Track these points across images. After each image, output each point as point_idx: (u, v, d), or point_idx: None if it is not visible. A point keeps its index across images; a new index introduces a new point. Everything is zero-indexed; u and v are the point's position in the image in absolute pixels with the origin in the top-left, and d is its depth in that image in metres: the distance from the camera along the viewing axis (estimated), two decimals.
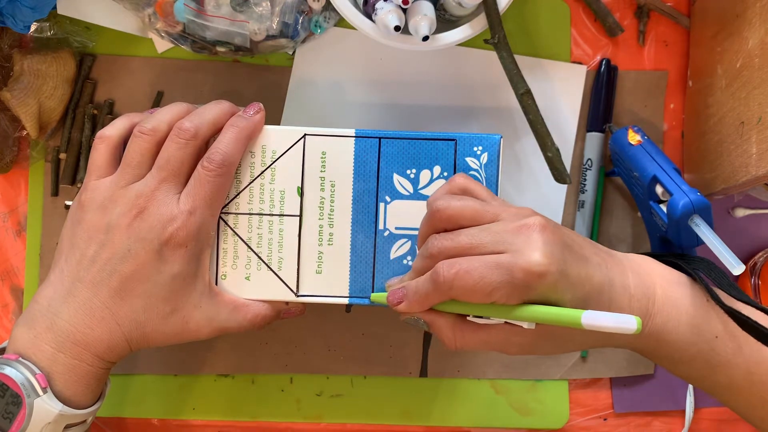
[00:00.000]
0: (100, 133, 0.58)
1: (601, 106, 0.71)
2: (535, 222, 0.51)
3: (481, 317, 0.53)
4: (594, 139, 0.71)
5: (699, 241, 0.62)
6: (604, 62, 0.72)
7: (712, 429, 0.74)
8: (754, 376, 0.56)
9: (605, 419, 0.73)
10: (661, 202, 0.65)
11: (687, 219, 0.61)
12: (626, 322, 0.45)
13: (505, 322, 0.53)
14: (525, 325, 0.51)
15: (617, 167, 0.70)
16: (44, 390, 0.53)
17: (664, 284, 0.56)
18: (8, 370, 0.53)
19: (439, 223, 0.54)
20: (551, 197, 0.72)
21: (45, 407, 0.53)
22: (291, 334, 0.72)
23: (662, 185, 0.64)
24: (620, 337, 0.55)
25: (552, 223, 0.53)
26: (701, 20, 0.71)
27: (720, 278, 0.58)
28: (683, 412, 0.73)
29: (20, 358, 0.54)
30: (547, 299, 0.50)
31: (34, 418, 0.53)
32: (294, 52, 0.72)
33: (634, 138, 0.67)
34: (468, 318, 0.54)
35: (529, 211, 0.53)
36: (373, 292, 0.60)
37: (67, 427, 0.55)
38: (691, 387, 0.72)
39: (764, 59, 0.59)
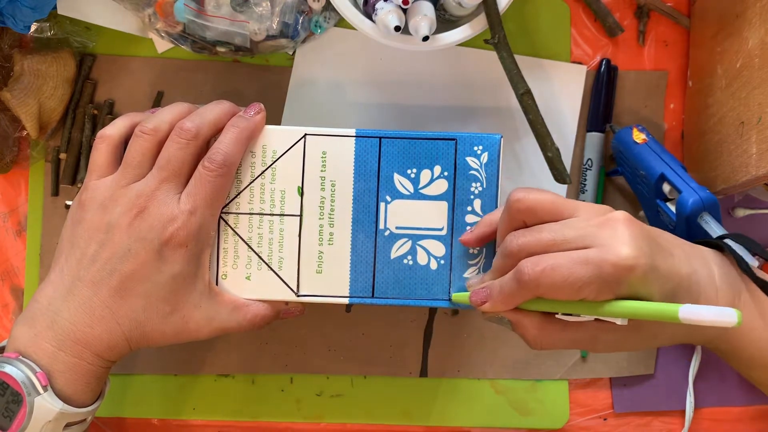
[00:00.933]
0: (100, 133, 0.58)
1: (601, 106, 0.71)
2: (619, 216, 0.50)
3: (570, 315, 0.52)
4: (594, 139, 0.71)
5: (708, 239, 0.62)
6: (604, 62, 0.72)
7: (713, 429, 0.74)
8: None
9: (605, 419, 0.73)
10: (669, 200, 0.65)
11: (697, 216, 0.61)
12: (726, 315, 0.44)
13: (595, 319, 0.51)
14: (618, 321, 0.50)
15: (621, 166, 0.70)
16: (45, 388, 0.53)
17: (746, 278, 0.56)
18: (8, 369, 0.53)
19: (517, 215, 0.53)
20: None
21: (45, 406, 0.53)
22: (291, 334, 0.72)
23: (670, 183, 0.64)
24: (707, 332, 0.54)
25: (632, 216, 0.52)
26: (701, 20, 0.71)
27: (753, 246, 0.57)
28: (683, 412, 0.73)
29: (20, 357, 0.54)
30: (637, 293, 0.49)
31: (34, 416, 0.53)
32: (294, 52, 0.72)
33: (639, 137, 0.67)
34: (556, 316, 0.53)
35: (606, 207, 0.53)
36: (374, 292, 0.60)
37: (68, 425, 0.55)
38: (691, 387, 0.72)
39: (764, 59, 0.59)
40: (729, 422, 0.74)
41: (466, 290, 0.59)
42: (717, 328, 0.50)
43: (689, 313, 0.45)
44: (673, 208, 0.63)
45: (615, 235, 0.49)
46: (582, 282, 0.48)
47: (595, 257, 0.49)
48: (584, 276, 0.48)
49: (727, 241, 0.57)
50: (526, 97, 0.63)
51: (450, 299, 0.60)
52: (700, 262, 0.54)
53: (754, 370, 0.57)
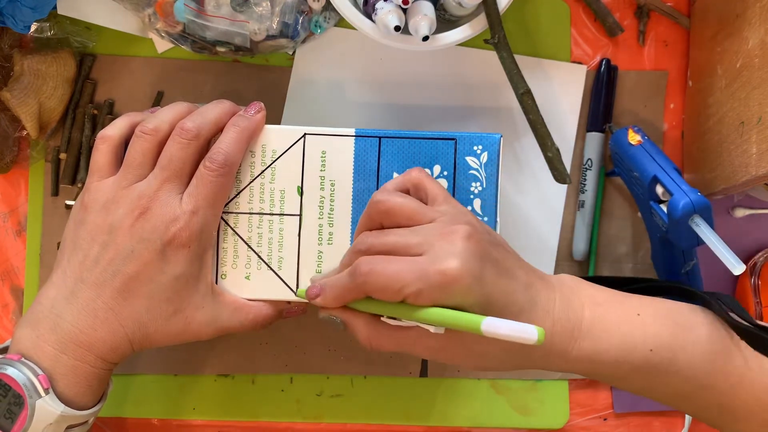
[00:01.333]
0: (101, 134, 0.58)
1: (601, 106, 0.71)
2: (461, 229, 0.51)
3: (393, 318, 0.54)
4: (594, 139, 0.71)
5: (699, 241, 0.62)
6: (604, 62, 0.72)
7: (713, 429, 0.74)
8: (695, 381, 0.56)
9: (605, 419, 0.73)
10: (662, 202, 0.65)
11: (687, 219, 0.61)
12: (526, 332, 0.45)
13: (417, 325, 0.53)
14: (432, 329, 0.51)
15: (617, 167, 0.70)
16: (46, 391, 0.53)
17: (593, 306, 0.56)
18: (10, 371, 0.53)
19: (376, 216, 0.55)
20: (551, 197, 0.72)
21: (47, 408, 0.53)
22: (291, 334, 0.72)
23: (662, 185, 0.64)
24: (547, 358, 0.55)
25: (483, 234, 0.53)
26: (701, 20, 0.71)
27: (733, 305, 0.57)
28: (683, 412, 0.73)
29: (23, 359, 0.54)
30: (459, 306, 0.50)
31: (35, 418, 0.53)
32: (294, 52, 0.72)
33: (634, 138, 0.67)
34: (382, 318, 0.54)
35: (466, 217, 0.54)
36: None
37: (69, 427, 0.55)
38: None
39: (764, 59, 0.59)
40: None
41: None
42: (559, 356, 0.53)
43: (490, 325, 0.46)
44: (665, 210, 0.63)
45: (449, 247, 0.50)
46: (403, 284, 0.50)
47: (422, 263, 0.50)
48: (407, 279, 0.50)
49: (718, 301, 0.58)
50: (526, 97, 0.63)
51: (295, 293, 0.60)
52: (543, 293, 0.54)
53: (624, 383, 0.57)
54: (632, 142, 0.67)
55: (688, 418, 0.72)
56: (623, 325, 0.55)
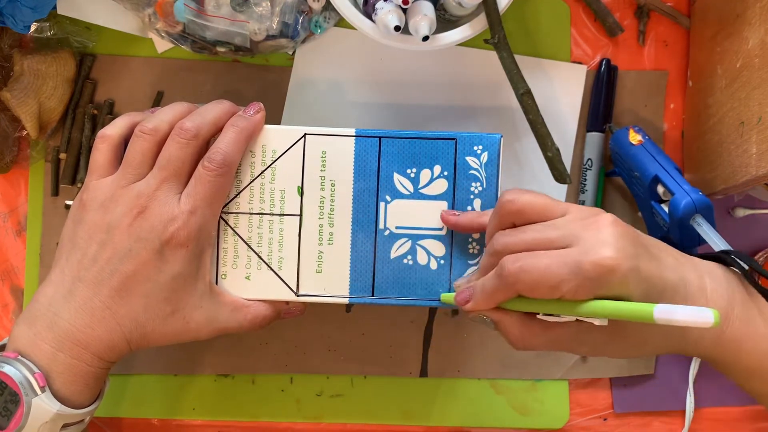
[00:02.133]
0: (101, 133, 0.58)
1: (601, 106, 0.71)
2: (606, 217, 0.50)
3: (550, 315, 0.52)
4: (594, 139, 0.71)
5: (701, 241, 0.62)
6: (604, 62, 0.72)
7: (713, 429, 0.74)
8: None
9: (605, 419, 0.73)
10: (663, 201, 0.65)
11: (689, 218, 0.61)
12: (703, 315, 0.43)
13: (576, 320, 0.51)
14: (596, 322, 0.49)
15: (618, 167, 0.70)
16: (42, 389, 0.53)
17: (744, 292, 0.55)
18: (7, 368, 0.53)
19: (507, 217, 0.54)
20: (550, 195, 0.72)
21: (42, 406, 0.53)
22: (291, 334, 0.72)
23: (664, 185, 0.64)
24: (699, 341, 0.54)
25: (622, 221, 0.52)
26: (701, 20, 0.71)
27: (751, 263, 0.56)
28: (683, 412, 0.73)
29: (20, 357, 0.54)
30: (618, 295, 0.49)
31: (31, 416, 0.53)
32: (294, 52, 0.72)
33: (635, 138, 0.67)
34: (537, 316, 0.53)
35: (597, 209, 0.52)
36: (373, 292, 0.60)
37: (65, 426, 0.55)
38: (691, 387, 0.72)
39: (764, 59, 0.59)
40: (729, 422, 0.74)
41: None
42: (712, 337, 0.51)
43: (664, 312, 0.44)
44: (666, 209, 0.63)
45: (598, 235, 0.49)
46: (560, 279, 0.48)
47: (574, 255, 0.49)
48: (562, 273, 0.48)
49: (733, 255, 0.57)
50: (526, 97, 0.63)
51: (439, 299, 0.60)
52: (691, 272, 0.54)
53: (753, 382, 0.57)
54: (633, 142, 0.67)
55: (688, 418, 0.72)
56: None
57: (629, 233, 0.50)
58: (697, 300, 0.53)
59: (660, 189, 0.65)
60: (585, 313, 0.49)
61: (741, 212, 0.73)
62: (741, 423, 0.74)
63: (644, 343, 0.54)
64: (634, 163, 0.66)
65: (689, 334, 0.54)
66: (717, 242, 0.60)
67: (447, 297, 0.59)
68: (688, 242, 0.63)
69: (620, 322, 0.51)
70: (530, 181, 0.72)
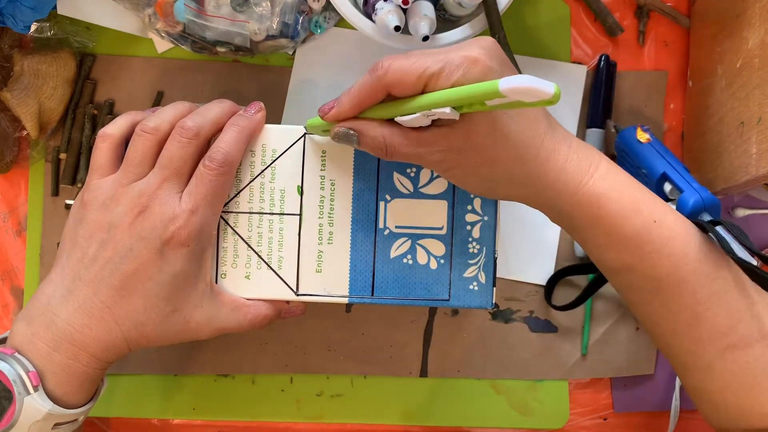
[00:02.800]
0: (101, 132, 0.58)
1: (600, 102, 0.71)
2: (483, 39, 0.51)
3: (406, 116, 0.51)
4: (594, 135, 0.71)
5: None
6: (603, 58, 0.72)
7: (708, 428, 0.74)
8: (679, 273, 0.55)
9: (605, 419, 0.73)
10: (670, 200, 0.65)
11: (697, 216, 0.62)
12: (543, 84, 0.42)
13: (432, 123, 0.51)
14: (447, 111, 0.49)
15: (623, 165, 0.70)
16: (35, 388, 0.53)
17: (610, 164, 0.56)
18: (2, 365, 0.53)
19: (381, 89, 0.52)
20: None
21: (34, 405, 0.53)
22: (291, 334, 0.72)
23: (672, 182, 0.64)
24: (558, 186, 0.54)
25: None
26: (701, 20, 0.71)
27: (739, 235, 0.57)
28: (683, 412, 0.73)
29: (16, 354, 0.54)
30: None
31: (23, 415, 0.53)
32: (294, 52, 0.72)
33: (643, 136, 0.67)
34: (395, 119, 0.52)
35: None
36: (373, 291, 0.60)
37: (57, 425, 0.55)
38: (677, 388, 0.72)
39: (764, 59, 0.59)
40: None
41: (468, 287, 0.59)
42: (573, 184, 0.52)
43: (508, 82, 0.43)
44: (674, 207, 0.63)
45: (475, 42, 0.50)
46: (425, 66, 0.49)
47: (446, 50, 0.50)
48: (428, 62, 0.49)
49: (718, 228, 0.57)
50: None
51: (305, 128, 0.60)
52: (560, 128, 0.55)
53: (609, 251, 0.56)
54: (641, 140, 0.67)
55: (673, 416, 0.72)
56: (636, 190, 0.55)
57: (501, 54, 0.51)
58: (560, 145, 0.54)
59: (667, 187, 0.65)
60: (437, 101, 0.49)
61: (741, 212, 0.73)
62: None
63: (494, 162, 0.53)
64: (642, 161, 0.66)
65: (547, 172, 0.53)
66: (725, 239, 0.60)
67: (312, 121, 0.58)
68: None
69: (472, 125, 0.51)
70: None
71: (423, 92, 0.50)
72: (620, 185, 0.55)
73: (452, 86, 0.48)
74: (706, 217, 0.62)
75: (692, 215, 0.61)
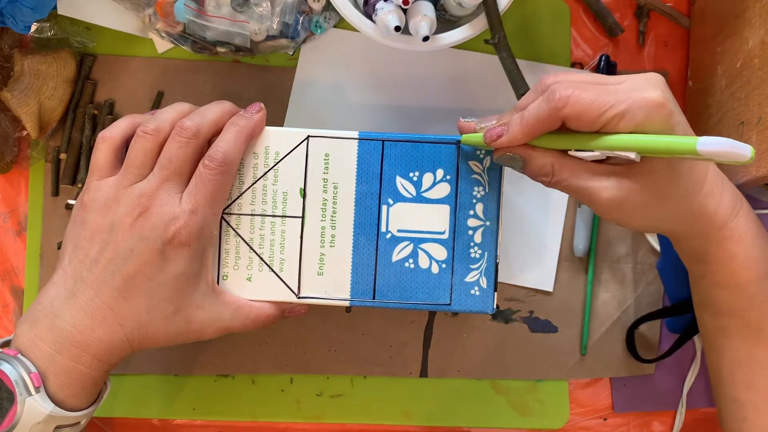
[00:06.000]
0: (102, 134, 0.58)
1: None
2: (655, 76, 0.51)
3: (583, 150, 0.51)
4: None
5: None
6: (603, 58, 0.72)
7: (708, 429, 0.74)
8: None
9: (605, 419, 0.74)
10: None
11: None
12: (741, 147, 0.43)
13: (607, 158, 0.51)
14: (632, 156, 0.49)
15: None
16: (37, 390, 0.53)
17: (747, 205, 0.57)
18: (5, 366, 0.53)
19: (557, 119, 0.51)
20: (552, 197, 0.72)
21: (36, 407, 0.53)
22: (291, 334, 0.72)
23: None
24: (712, 222, 0.55)
25: None
26: (701, 20, 0.71)
27: None
28: (683, 411, 0.73)
29: (19, 355, 0.54)
30: (660, 133, 0.49)
31: (24, 416, 0.53)
32: (294, 53, 0.72)
33: None
34: (569, 152, 0.52)
35: None
36: (374, 295, 0.60)
37: (58, 427, 0.55)
38: (686, 389, 0.72)
39: (764, 59, 0.59)
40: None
41: (469, 292, 0.59)
42: (723, 216, 0.53)
43: (708, 144, 0.44)
44: None
45: (648, 80, 0.50)
46: (609, 105, 0.48)
47: (625, 88, 0.49)
48: (611, 100, 0.48)
49: None
50: None
51: (458, 142, 0.59)
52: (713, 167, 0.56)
53: (724, 291, 0.57)
54: None
55: (679, 418, 0.72)
56: (766, 237, 0.57)
57: (669, 91, 0.51)
58: (715, 180, 0.55)
59: None
60: (625, 146, 0.48)
61: None
62: None
63: (666, 199, 0.53)
64: None
65: (707, 206, 0.54)
66: None
67: (471, 138, 0.57)
68: None
69: (652, 166, 0.51)
70: (533, 186, 0.71)
71: (601, 129, 0.49)
72: (756, 228, 0.56)
73: (635, 129, 0.48)
74: None
75: None
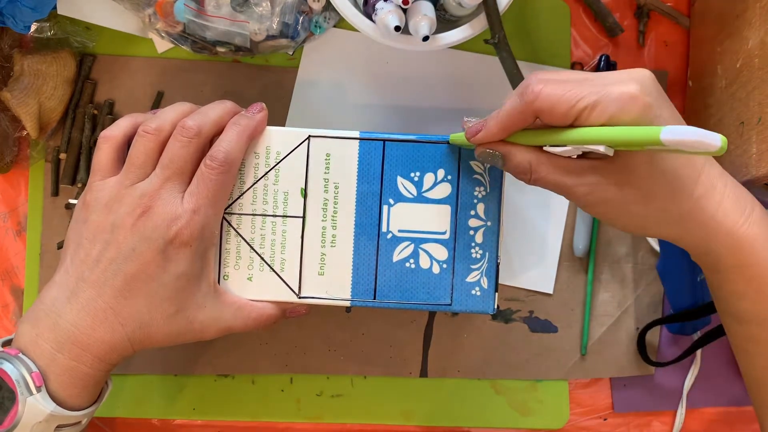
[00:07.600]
0: (103, 134, 0.58)
1: None
2: (641, 71, 0.49)
3: (557, 146, 0.50)
4: None
5: None
6: (603, 58, 0.72)
7: (709, 430, 0.74)
8: None
9: (605, 419, 0.74)
10: None
11: None
12: (708, 137, 0.41)
13: (582, 154, 0.50)
14: (602, 149, 0.47)
15: None
16: (38, 389, 0.53)
17: (764, 208, 0.54)
18: (6, 365, 0.53)
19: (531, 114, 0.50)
20: (553, 197, 0.72)
21: (37, 406, 0.53)
22: (291, 334, 0.72)
23: None
24: (717, 225, 0.52)
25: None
26: (701, 20, 0.71)
27: None
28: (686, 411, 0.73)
29: (20, 354, 0.54)
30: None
31: (25, 415, 0.53)
32: (294, 53, 0.72)
33: None
34: (544, 149, 0.51)
35: None
36: (375, 295, 0.60)
37: (60, 426, 0.55)
38: (686, 389, 0.72)
39: (764, 59, 0.59)
40: (725, 423, 0.74)
41: (470, 292, 0.59)
42: (731, 222, 0.50)
43: (672, 133, 0.42)
44: None
45: (630, 74, 0.49)
46: (580, 96, 0.47)
47: (600, 82, 0.48)
48: (583, 91, 0.47)
49: None
50: None
51: (448, 142, 0.59)
52: (715, 164, 0.53)
53: (744, 300, 0.55)
54: None
55: (679, 418, 0.73)
56: None
57: (659, 88, 0.49)
58: (717, 178, 0.52)
59: None
60: (592, 138, 0.47)
61: None
62: (737, 424, 0.74)
63: (649, 197, 0.51)
64: None
65: (702, 209, 0.52)
66: None
67: (457, 136, 0.57)
68: None
69: (627, 161, 0.50)
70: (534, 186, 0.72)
71: (575, 122, 0.48)
72: None
73: (607, 121, 0.47)
74: None
75: None
